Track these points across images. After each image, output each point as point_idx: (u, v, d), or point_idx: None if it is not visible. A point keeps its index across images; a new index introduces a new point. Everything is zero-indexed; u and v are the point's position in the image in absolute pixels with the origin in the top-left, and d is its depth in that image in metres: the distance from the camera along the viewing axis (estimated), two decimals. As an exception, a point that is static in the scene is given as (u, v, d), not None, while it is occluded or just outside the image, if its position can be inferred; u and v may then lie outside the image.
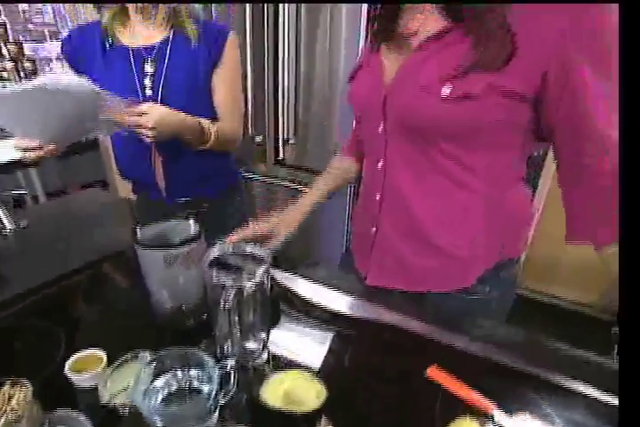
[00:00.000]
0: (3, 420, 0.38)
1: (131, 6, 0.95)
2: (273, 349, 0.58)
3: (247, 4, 1.89)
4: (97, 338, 0.60)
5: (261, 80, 2.04)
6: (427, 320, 0.64)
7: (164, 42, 0.98)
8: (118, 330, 0.63)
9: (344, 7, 1.76)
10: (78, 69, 1.02)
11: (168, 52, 0.98)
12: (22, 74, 2.30)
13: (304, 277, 0.76)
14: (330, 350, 0.58)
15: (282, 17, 1.88)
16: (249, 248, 0.54)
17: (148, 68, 0.98)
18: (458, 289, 0.67)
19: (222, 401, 0.46)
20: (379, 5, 0.63)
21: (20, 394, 0.41)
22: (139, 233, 0.59)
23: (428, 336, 0.61)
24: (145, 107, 0.84)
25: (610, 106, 0.49)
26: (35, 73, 2.36)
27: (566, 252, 1.91)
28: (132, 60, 0.98)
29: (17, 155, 0.84)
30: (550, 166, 1.65)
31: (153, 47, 0.98)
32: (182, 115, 0.92)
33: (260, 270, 0.50)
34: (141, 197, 1.14)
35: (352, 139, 0.87)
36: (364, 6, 1.72)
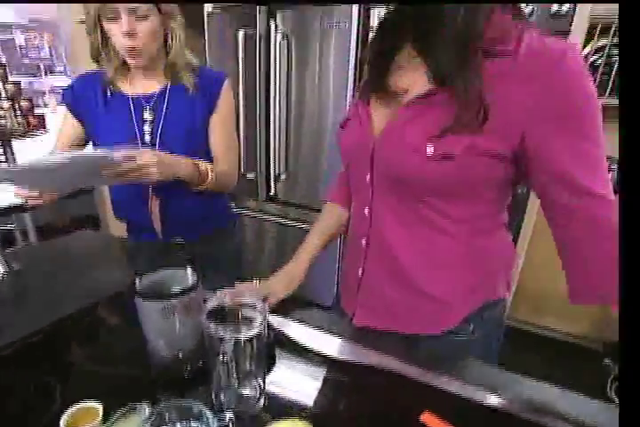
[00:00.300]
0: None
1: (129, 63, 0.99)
2: (268, 388, 0.59)
3: (240, 45, 1.98)
4: (92, 388, 0.60)
5: (253, 118, 2.11)
6: (414, 362, 0.65)
7: (162, 91, 1.03)
8: (114, 379, 0.63)
9: (332, 50, 1.85)
10: (79, 117, 1.06)
11: (166, 100, 1.03)
12: (19, 112, 2.35)
13: (296, 319, 0.77)
14: (321, 394, 0.59)
15: (273, 58, 1.97)
16: (246, 298, 0.56)
17: (147, 116, 1.02)
18: (443, 331, 0.69)
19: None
20: (370, 60, 0.68)
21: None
22: (137, 283, 0.60)
23: (416, 379, 0.62)
24: (144, 156, 0.87)
25: (594, 165, 0.53)
26: (31, 112, 2.41)
27: (555, 283, 1.94)
28: (131, 107, 1.02)
29: (16, 200, 0.86)
30: (535, 201, 1.71)
31: (152, 96, 1.03)
32: (180, 158, 0.96)
33: (258, 321, 0.51)
34: (135, 238, 1.16)
35: (339, 184, 0.89)
36: (352, 50, 1.82)
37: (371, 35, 1.77)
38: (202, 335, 0.57)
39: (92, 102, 1.04)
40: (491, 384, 0.61)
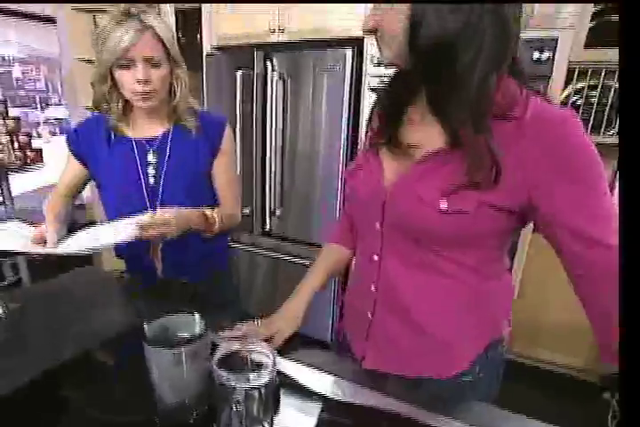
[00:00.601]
0: None
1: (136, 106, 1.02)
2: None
3: (238, 85, 2.06)
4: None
5: (250, 155, 2.17)
6: (422, 405, 0.65)
7: (166, 134, 1.05)
8: (117, 425, 0.63)
9: (326, 91, 1.94)
10: (83, 160, 1.09)
11: (169, 143, 1.05)
12: (16, 145, 2.38)
13: (300, 361, 0.77)
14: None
15: (270, 98, 2.05)
16: (255, 345, 0.57)
17: (151, 159, 1.05)
18: (453, 374, 0.70)
19: None
20: (381, 112, 0.71)
21: None
22: (146, 328, 0.61)
23: (426, 422, 0.62)
24: (161, 216, 0.89)
25: (603, 216, 0.55)
26: (29, 146, 2.45)
27: (548, 315, 1.96)
28: (135, 151, 1.04)
29: (23, 247, 0.89)
30: (526, 234, 1.76)
31: (155, 139, 1.05)
32: (191, 210, 0.97)
33: (269, 367, 0.53)
34: (134, 277, 1.16)
35: (341, 225, 0.92)
36: (346, 92, 1.90)
37: (365, 79, 1.86)
38: (208, 380, 0.58)
39: (96, 146, 1.06)
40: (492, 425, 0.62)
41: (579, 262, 0.57)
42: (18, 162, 2.36)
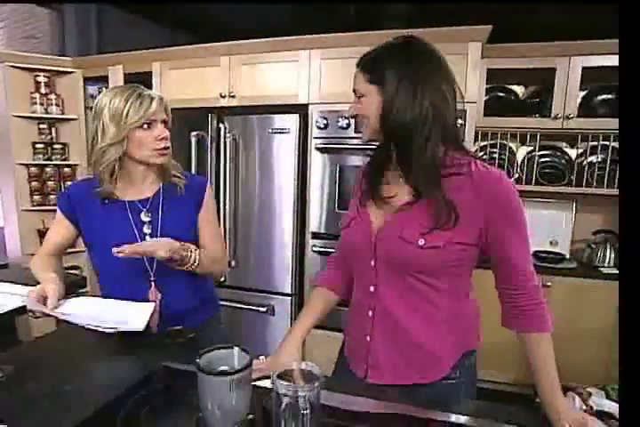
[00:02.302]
0: None
1: (130, 171, 1.13)
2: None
3: (193, 146, 2.20)
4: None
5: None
6: (419, 404, 0.81)
7: (157, 193, 1.16)
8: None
9: (275, 150, 2.16)
10: (74, 221, 1.14)
11: (161, 202, 1.16)
12: None
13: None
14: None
15: (223, 157, 2.22)
16: (302, 366, 0.70)
17: (145, 218, 1.14)
18: (439, 378, 0.88)
19: None
20: (367, 177, 0.93)
21: None
22: (199, 362, 0.71)
23: (421, 415, 0.78)
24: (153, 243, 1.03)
25: (526, 250, 0.82)
26: None
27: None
28: (129, 212, 1.13)
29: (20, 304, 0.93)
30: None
31: (147, 200, 1.15)
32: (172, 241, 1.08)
33: (318, 382, 0.66)
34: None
35: (330, 270, 1.07)
36: (295, 152, 2.14)
37: (311, 140, 2.13)
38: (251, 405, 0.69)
39: (89, 208, 1.12)
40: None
41: (508, 286, 0.84)
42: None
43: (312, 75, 2.13)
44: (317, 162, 2.16)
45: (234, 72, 2.26)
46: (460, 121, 1.89)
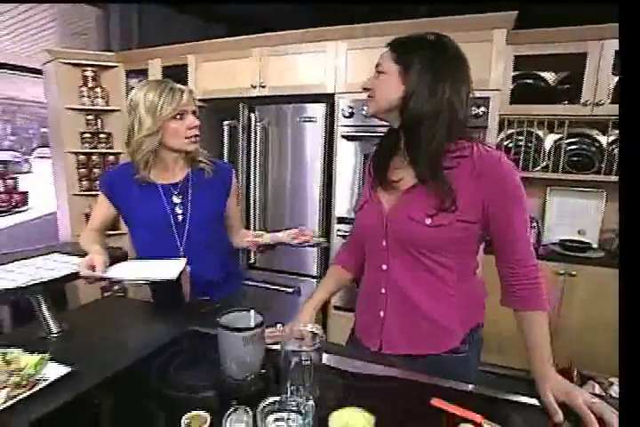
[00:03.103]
0: None
1: (163, 158, 1.24)
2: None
3: (225, 135, 2.33)
4: (182, 408, 0.78)
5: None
6: (429, 373, 0.89)
7: (186, 178, 1.28)
8: (195, 401, 0.81)
9: (303, 138, 2.25)
10: (115, 202, 1.28)
11: (190, 185, 1.28)
12: (14, 203, 2.48)
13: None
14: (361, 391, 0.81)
15: (253, 145, 2.33)
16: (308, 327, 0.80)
17: (176, 200, 1.26)
18: (447, 350, 0.95)
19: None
20: (375, 163, 1.00)
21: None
22: (220, 321, 0.82)
23: (433, 382, 0.86)
24: None
25: (525, 229, 0.88)
26: (15, 189, 2.54)
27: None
28: (162, 194, 1.25)
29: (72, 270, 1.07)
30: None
31: (177, 183, 1.27)
32: None
33: (319, 338, 0.76)
34: (162, 299, 1.34)
35: (347, 250, 1.16)
36: (322, 140, 2.22)
37: (337, 128, 2.20)
38: (263, 360, 0.80)
39: (126, 190, 1.26)
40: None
41: (508, 263, 0.90)
42: (5, 205, 2.44)
43: (338, 65, 2.20)
44: (343, 149, 2.23)
45: (264, 63, 2.36)
46: (482, 109, 1.90)
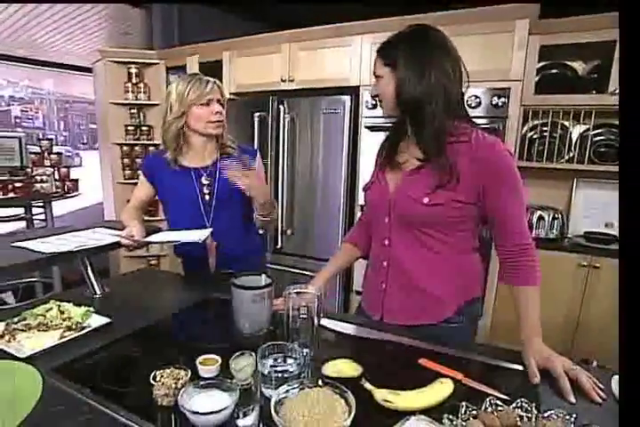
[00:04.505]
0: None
1: (193, 143, 1.39)
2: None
3: (255, 125, 2.46)
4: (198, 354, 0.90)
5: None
6: (422, 339, 0.98)
7: (215, 162, 1.42)
8: (212, 350, 0.93)
9: (328, 129, 2.35)
10: (153, 182, 1.44)
11: (218, 169, 1.41)
12: (57, 176, 2.74)
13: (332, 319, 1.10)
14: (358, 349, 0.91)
15: (282, 135, 2.45)
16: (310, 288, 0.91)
17: (205, 181, 1.40)
18: (441, 320, 1.03)
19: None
20: (386, 147, 1.08)
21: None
22: (235, 281, 0.95)
23: (423, 347, 0.95)
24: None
25: (519, 210, 0.94)
26: (68, 177, 2.80)
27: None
28: (192, 176, 1.39)
29: (114, 240, 1.24)
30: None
31: (206, 167, 1.40)
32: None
33: (318, 295, 0.86)
34: (190, 272, 1.49)
35: (358, 228, 1.25)
36: (346, 130, 2.31)
37: (361, 120, 2.28)
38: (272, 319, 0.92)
39: (162, 173, 1.41)
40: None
41: (504, 241, 0.96)
42: (59, 191, 2.70)
43: (363, 58, 2.28)
44: (367, 139, 2.32)
45: (293, 58, 2.47)
46: (502, 99, 1.93)
